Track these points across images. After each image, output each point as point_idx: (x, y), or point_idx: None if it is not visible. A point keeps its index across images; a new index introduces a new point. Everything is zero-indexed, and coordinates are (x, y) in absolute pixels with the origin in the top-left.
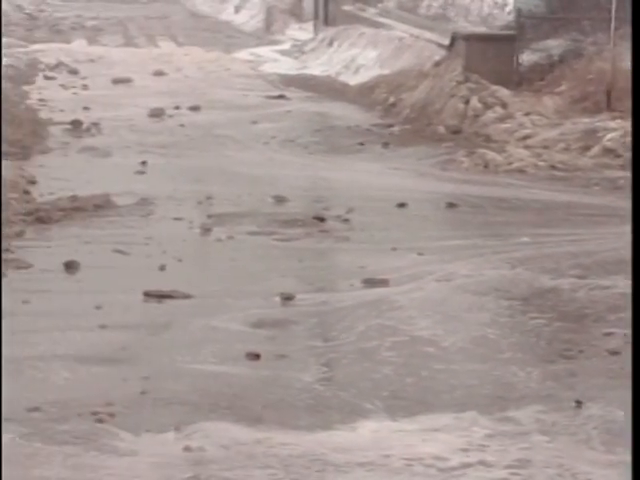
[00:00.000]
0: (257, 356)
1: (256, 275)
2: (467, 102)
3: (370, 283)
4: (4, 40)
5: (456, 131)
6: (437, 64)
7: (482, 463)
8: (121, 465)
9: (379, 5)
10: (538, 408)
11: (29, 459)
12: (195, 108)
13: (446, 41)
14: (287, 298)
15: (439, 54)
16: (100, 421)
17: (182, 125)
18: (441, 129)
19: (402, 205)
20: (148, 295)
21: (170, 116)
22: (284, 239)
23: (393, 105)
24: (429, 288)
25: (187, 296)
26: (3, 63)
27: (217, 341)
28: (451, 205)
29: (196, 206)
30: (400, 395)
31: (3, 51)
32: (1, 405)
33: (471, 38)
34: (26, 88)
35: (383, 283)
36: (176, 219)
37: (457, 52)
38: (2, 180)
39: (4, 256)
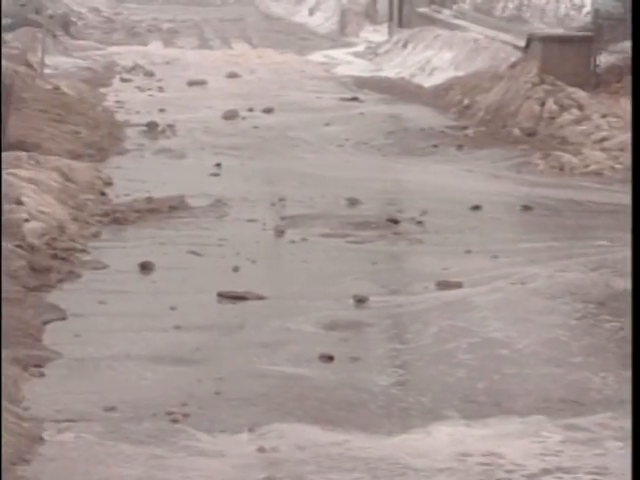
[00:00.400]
0: (331, 358)
1: (329, 277)
2: (543, 104)
3: (444, 286)
4: (82, 42)
5: (531, 133)
6: (512, 66)
7: (560, 469)
8: (195, 465)
9: (454, 7)
10: (612, 414)
11: (105, 458)
12: (268, 110)
13: (522, 43)
14: (361, 300)
15: (515, 56)
16: (175, 421)
17: (256, 127)
18: (516, 131)
19: (476, 208)
20: (222, 296)
21: (244, 118)
22: (357, 241)
23: (467, 107)
24: (503, 291)
25: (260, 297)
26: (81, 65)
27: (291, 343)
28: (526, 208)
29: (269, 208)
30: (474, 399)
31: (80, 54)
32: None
33: (547, 40)
34: (103, 90)
35: (457, 286)
36: (250, 221)
37: (533, 54)
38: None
39: (81, 257)
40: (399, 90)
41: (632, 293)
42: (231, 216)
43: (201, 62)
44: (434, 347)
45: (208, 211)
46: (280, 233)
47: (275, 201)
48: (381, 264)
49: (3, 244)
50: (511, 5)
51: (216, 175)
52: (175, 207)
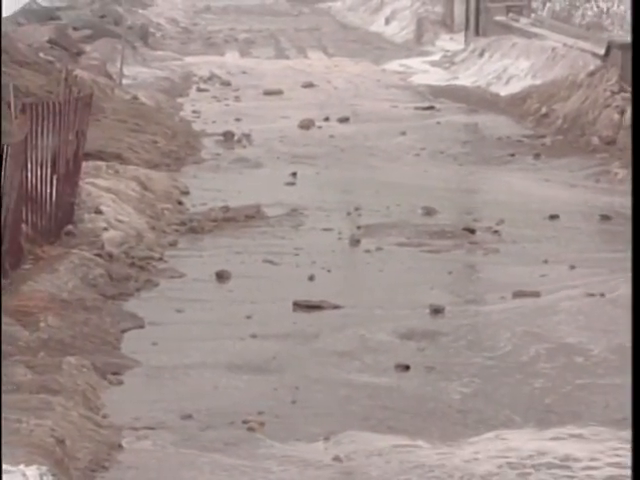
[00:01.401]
0: (407, 367)
1: (405, 286)
2: (622, 112)
3: (521, 295)
4: (160, 53)
5: (610, 142)
6: (591, 74)
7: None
8: (271, 474)
9: (532, 15)
10: None
11: (182, 466)
12: (344, 119)
13: (601, 50)
14: (436, 310)
15: (594, 64)
16: (251, 430)
17: (331, 136)
18: (595, 140)
19: (554, 217)
20: (298, 305)
21: (319, 127)
22: (433, 250)
23: (545, 116)
24: (581, 301)
25: (336, 306)
26: (159, 75)
27: (366, 352)
28: (605, 217)
29: (345, 217)
30: (552, 408)
31: (158, 64)
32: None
33: (627, 47)
34: (180, 100)
35: (534, 295)
36: (325, 230)
37: (612, 61)
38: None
39: (158, 265)
40: (475, 99)
41: (632, 294)
42: (307, 225)
43: (277, 72)
44: (510, 356)
45: (284, 220)
46: (356, 242)
47: (351, 210)
48: (457, 273)
49: (84, 253)
50: (590, 13)
51: (292, 184)
52: (251, 216)
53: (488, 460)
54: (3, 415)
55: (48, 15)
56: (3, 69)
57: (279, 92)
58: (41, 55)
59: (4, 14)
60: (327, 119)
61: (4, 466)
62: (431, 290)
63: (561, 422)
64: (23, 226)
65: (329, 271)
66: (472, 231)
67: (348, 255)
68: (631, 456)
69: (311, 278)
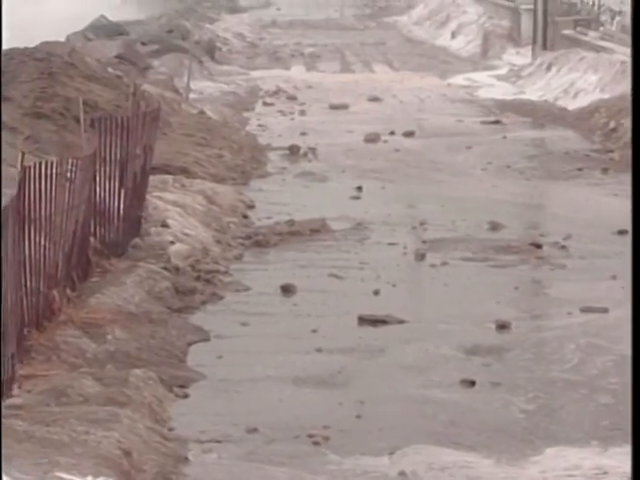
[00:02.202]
0: (472, 383)
1: (471, 301)
2: None
3: (588, 311)
4: (226, 67)
5: None
6: None
7: None
8: None
9: (601, 29)
10: None
11: (247, 479)
12: (410, 133)
13: None
14: (502, 325)
15: None
16: (316, 444)
17: (397, 150)
18: None
19: (622, 232)
20: (363, 319)
21: (385, 141)
22: (499, 265)
23: (613, 130)
24: None
25: (401, 321)
26: (225, 90)
27: (431, 367)
28: None
29: (410, 231)
30: (617, 425)
31: (225, 79)
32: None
33: None
34: (246, 114)
35: (602, 311)
36: (391, 244)
37: None
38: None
39: (223, 279)
40: (542, 113)
41: (632, 295)
42: (372, 239)
43: (342, 86)
44: (576, 372)
45: (349, 234)
46: (421, 257)
47: (416, 224)
48: (523, 289)
49: (150, 266)
50: None
51: (357, 198)
52: (316, 230)
53: (553, 478)
54: (70, 427)
55: (116, 30)
56: (73, 84)
57: (345, 106)
58: (109, 70)
59: (72, 29)
60: (393, 133)
61: (72, 477)
62: (497, 305)
63: (626, 440)
64: (91, 239)
65: (394, 285)
66: (539, 246)
67: (413, 269)
68: (631, 455)
69: (376, 292)
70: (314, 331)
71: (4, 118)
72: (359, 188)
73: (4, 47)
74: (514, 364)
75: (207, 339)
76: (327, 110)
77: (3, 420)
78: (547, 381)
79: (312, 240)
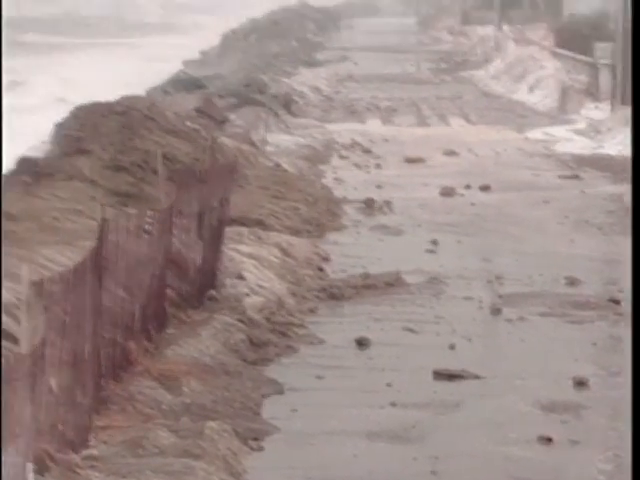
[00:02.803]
0: (549, 440)
1: (547, 357)
2: None
3: None
4: (302, 120)
5: None
6: None
7: None
8: None
9: None
10: None
11: None
12: (486, 187)
13: None
14: (580, 382)
15: None
16: None
17: (473, 204)
18: None
19: None
20: (438, 374)
21: (461, 195)
22: (577, 321)
23: None
24: None
25: (477, 376)
26: (301, 142)
27: (508, 423)
28: None
29: (486, 285)
30: None
31: (301, 131)
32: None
33: None
34: (322, 167)
35: None
36: (466, 298)
37: None
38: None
39: (298, 331)
40: (621, 168)
41: (632, 295)
42: (447, 293)
43: (418, 139)
44: None
45: (424, 288)
46: (497, 311)
47: (492, 279)
48: (602, 345)
49: (225, 318)
50: None
51: (432, 252)
52: (391, 283)
53: None
54: (146, 479)
55: (195, 84)
56: (152, 137)
57: (420, 159)
58: (188, 123)
59: (153, 83)
60: (468, 187)
61: None
62: (575, 361)
63: None
64: (168, 291)
65: (470, 340)
66: (617, 302)
67: (489, 324)
68: (631, 455)
69: (452, 347)
70: (389, 385)
71: (84, 171)
72: (434, 242)
73: (86, 104)
74: (592, 421)
75: (281, 392)
76: (403, 163)
77: (80, 471)
78: (626, 440)
79: (387, 293)
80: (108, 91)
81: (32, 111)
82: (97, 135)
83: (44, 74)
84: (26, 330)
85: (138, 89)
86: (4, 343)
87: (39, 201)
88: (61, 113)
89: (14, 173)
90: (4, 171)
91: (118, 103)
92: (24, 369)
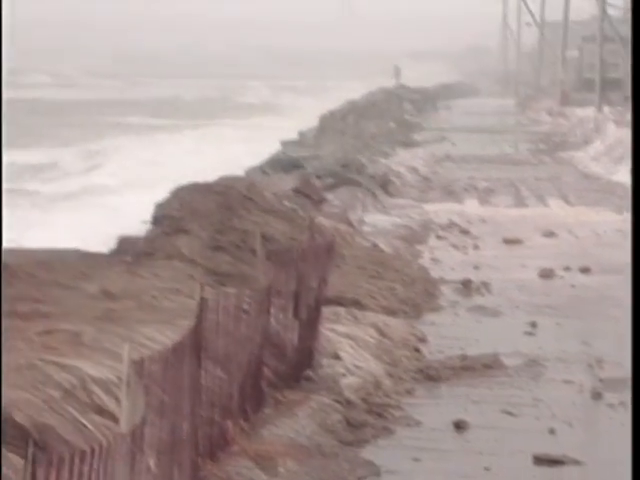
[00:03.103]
0: None
1: None
2: None
3: None
4: (399, 201)
5: None
6: None
7: None
8: None
9: None
10: None
11: None
12: (586, 269)
13: None
14: None
15: None
16: None
17: (573, 286)
18: None
19: None
20: (538, 459)
21: (560, 277)
22: None
23: None
24: None
25: (577, 462)
26: (398, 223)
27: None
28: None
29: (586, 369)
30: None
31: (398, 212)
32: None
33: None
34: (419, 247)
35: None
36: (565, 381)
37: None
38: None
39: (395, 413)
40: None
41: (632, 293)
42: (546, 376)
43: (516, 220)
44: None
45: (522, 370)
46: (597, 395)
47: (592, 362)
48: None
49: (322, 398)
50: None
51: (531, 334)
52: (489, 365)
53: None
54: None
55: (293, 164)
56: (251, 217)
57: (518, 240)
58: (285, 203)
59: (252, 163)
60: (568, 268)
61: None
62: None
63: None
64: (265, 370)
65: (570, 424)
66: None
67: (590, 409)
68: (631, 454)
69: (551, 431)
70: (487, 469)
71: (184, 250)
72: (533, 324)
73: (186, 184)
74: None
75: (378, 474)
76: (501, 244)
77: None
78: None
79: (485, 375)
80: (207, 171)
81: (131, 190)
82: (196, 215)
83: (146, 153)
84: (126, 409)
85: (237, 169)
86: (105, 421)
87: (139, 280)
88: (161, 193)
89: (115, 252)
90: (106, 249)
91: (217, 183)
92: (124, 448)
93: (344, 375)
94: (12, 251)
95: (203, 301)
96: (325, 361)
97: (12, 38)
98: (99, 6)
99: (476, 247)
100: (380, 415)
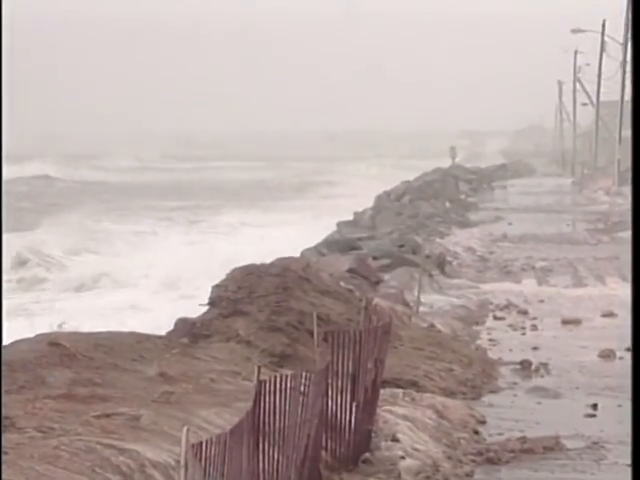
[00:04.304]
0: None
1: None
2: None
3: None
4: (456, 281)
5: None
6: None
7: None
8: None
9: None
10: None
11: None
12: None
13: None
14: None
15: None
16: None
17: None
18: None
19: None
20: None
21: (621, 358)
22: None
23: None
24: None
25: None
26: (455, 303)
27: None
28: None
29: None
30: None
31: (455, 292)
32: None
33: None
34: (476, 328)
35: None
36: (629, 465)
37: None
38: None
39: None
40: None
41: (632, 294)
42: (609, 459)
43: (575, 300)
44: None
45: (584, 453)
46: None
47: None
48: None
49: None
50: None
51: (592, 416)
52: (550, 448)
53: None
54: None
55: (349, 245)
56: (307, 298)
57: (577, 321)
58: (342, 284)
59: (307, 244)
60: (629, 349)
61: None
62: None
63: None
64: (323, 453)
65: None
66: None
67: None
68: (631, 454)
69: None
70: None
71: (241, 332)
72: (594, 405)
73: (243, 266)
74: None
75: None
76: (559, 325)
77: None
78: None
79: (546, 458)
80: (264, 253)
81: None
82: (253, 296)
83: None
84: None
85: (293, 251)
86: None
87: (196, 362)
88: (218, 277)
89: (172, 333)
90: (164, 332)
91: (273, 265)
92: None
93: (402, 458)
94: (70, 334)
95: (260, 383)
96: (383, 443)
97: None
98: None
99: (534, 327)
100: None
